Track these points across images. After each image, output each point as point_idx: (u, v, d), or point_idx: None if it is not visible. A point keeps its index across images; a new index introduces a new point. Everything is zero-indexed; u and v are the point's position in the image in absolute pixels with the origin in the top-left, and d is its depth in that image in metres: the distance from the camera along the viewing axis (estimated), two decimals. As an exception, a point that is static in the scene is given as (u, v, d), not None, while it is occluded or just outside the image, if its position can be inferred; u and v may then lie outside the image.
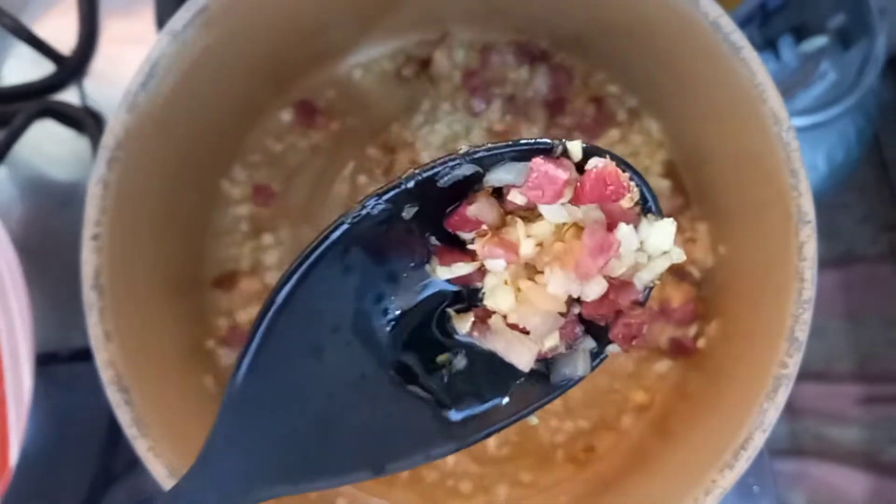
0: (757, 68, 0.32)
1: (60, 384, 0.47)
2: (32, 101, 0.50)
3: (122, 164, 0.33)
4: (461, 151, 0.22)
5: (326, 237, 0.24)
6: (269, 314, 0.23)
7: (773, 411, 0.30)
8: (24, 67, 0.53)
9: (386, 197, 0.23)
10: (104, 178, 0.32)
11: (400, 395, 0.25)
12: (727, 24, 0.33)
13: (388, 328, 0.24)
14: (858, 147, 1.07)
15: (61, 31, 0.52)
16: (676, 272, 0.41)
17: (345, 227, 0.23)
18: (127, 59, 0.53)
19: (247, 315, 0.42)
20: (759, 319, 0.34)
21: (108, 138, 0.32)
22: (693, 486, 0.31)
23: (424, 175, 0.23)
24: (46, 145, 0.52)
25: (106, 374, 0.31)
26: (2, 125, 0.50)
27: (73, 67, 0.52)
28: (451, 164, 0.22)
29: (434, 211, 0.23)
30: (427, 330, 0.25)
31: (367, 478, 0.24)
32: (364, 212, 0.23)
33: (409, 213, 0.23)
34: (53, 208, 0.51)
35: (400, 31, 0.45)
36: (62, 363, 0.44)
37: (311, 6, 0.39)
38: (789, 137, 0.32)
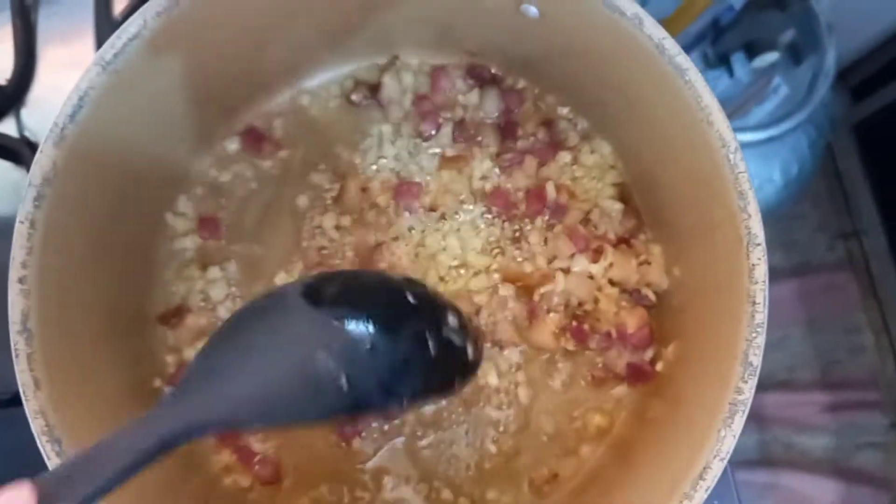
0: (702, 90, 0.32)
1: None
2: (-34, 133, 0.48)
3: (51, 202, 0.31)
4: None
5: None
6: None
7: (730, 438, 0.30)
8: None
9: None
10: (31, 216, 0.31)
11: None
12: (672, 46, 0.32)
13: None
14: (812, 159, 1.10)
15: (-2, 58, 0.51)
16: (632, 296, 0.41)
17: None
18: (67, 86, 0.51)
19: (195, 351, 0.41)
20: (714, 343, 0.34)
21: (35, 175, 0.31)
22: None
23: None
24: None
25: (35, 425, 0.29)
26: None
27: (9, 96, 0.50)
28: None
29: None
30: None
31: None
32: None
33: None
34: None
35: (349, 56, 0.44)
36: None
37: (254, 32, 0.38)
38: (736, 160, 0.31)
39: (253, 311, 0.30)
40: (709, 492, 0.29)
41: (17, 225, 0.30)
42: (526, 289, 0.42)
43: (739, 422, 0.30)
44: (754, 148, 0.98)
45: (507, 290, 0.42)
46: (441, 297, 0.35)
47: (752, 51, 0.93)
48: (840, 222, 1.40)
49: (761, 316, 0.30)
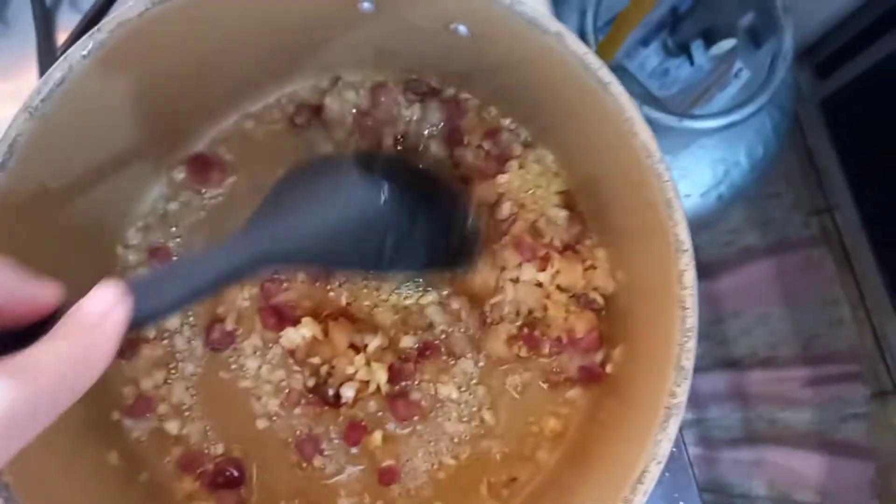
0: (625, 103, 0.32)
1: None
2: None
3: (-11, 249, 0.31)
4: None
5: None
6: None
7: (666, 442, 0.30)
8: None
9: None
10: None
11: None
12: (594, 61, 0.33)
13: None
14: (777, 140, 1.11)
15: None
16: (580, 301, 0.42)
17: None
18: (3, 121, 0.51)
19: (152, 382, 0.41)
20: (654, 345, 0.35)
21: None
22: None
23: None
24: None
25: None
26: None
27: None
28: None
29: None
30: None
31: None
32: None
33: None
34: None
35: (289, 79, 0.44)
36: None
37: (195, 65, 0.39)
38: (661, 169, 0.32)
39: (312, 166, 0.37)
40: (647, 494, 0.30)
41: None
42: (477, 300, 0.43)
43: (674, 426, 0.31)
44: (719, 133, 0.99)
45: (458, 303, 0.43)
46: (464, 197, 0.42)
47: (709, 38, 0.94)
48: (813, 199, 1.42)
49: (691, 321, 0.31)
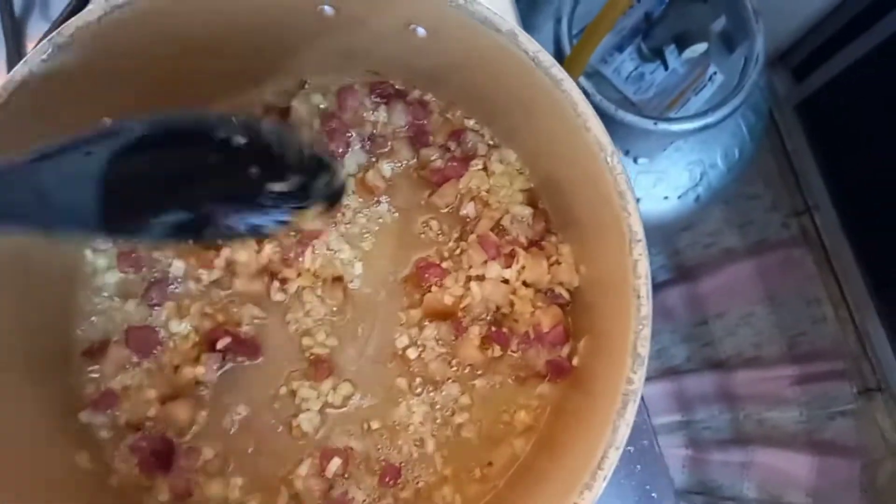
0: (578, 99, 0.33)
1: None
2: None
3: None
4: None
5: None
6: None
7: (624, 428, 0.31)
8: None
9: None
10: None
11: None
12: (546, 59, 0.34)
13: None
14: (752, 142, 1.13)
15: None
16: (546, 296, 0.42)
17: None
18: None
19: (118, 383, 0.41)
20: (614, 336, 0.35)
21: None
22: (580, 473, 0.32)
23: None
24: None
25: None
26: None
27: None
28: None
29: None
30: None
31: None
32: None
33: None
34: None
35: (256, 84, 0.45)
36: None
37: (155, 68, 0.39)
38: (614, 162, 0.33)
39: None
40: (606, 480, 0.31)
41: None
42: (447, 315, 0.43)
43: (632, 411, 0.31)
44: (695, 136, 1.01)
45: (430, 330, 0.43)
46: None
47: (681, 43, 0.95)
48: (793, 200, 1.44)
49: (646, 309, 0.32)
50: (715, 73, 1.03)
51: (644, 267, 0.32)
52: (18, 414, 0.36)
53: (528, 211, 0.43)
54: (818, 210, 1.43)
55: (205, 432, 0.42)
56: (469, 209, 0.43)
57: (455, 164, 0.44)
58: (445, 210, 0.44)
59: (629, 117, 0.87)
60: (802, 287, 1.46)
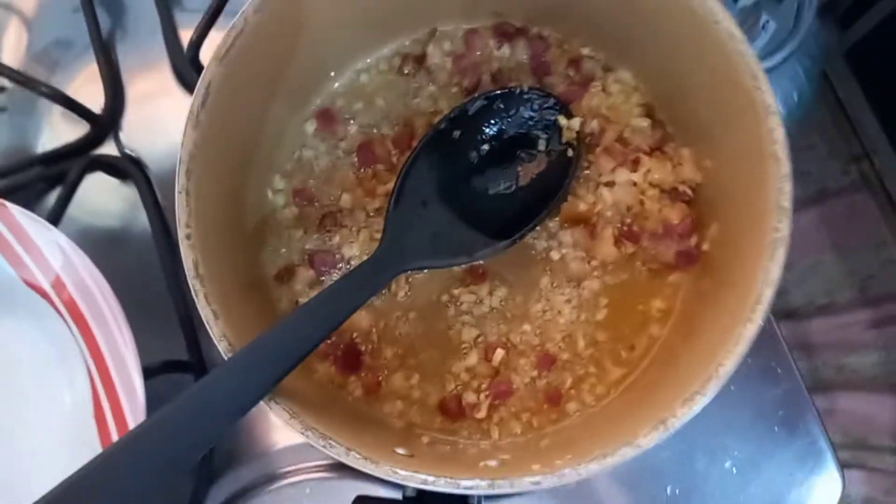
0: (703, -1, 0.39)
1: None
2: (79, 158, 0.56)
3: (195, 175, 0.39)
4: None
5: (422, 139, 0.48)
6: (401, 177, 0.46)
7: (776, 269, 0.36)
8: (59, 131, 0.59)
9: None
10: (185, 187, 0.38)
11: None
12: (673, -33, 0.39)
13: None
14: (809, 85, 1.15)
15: (90, 95, 0.59)
16: (671, 194, 0.48)
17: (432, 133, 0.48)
18: (153, 109, 0.60)
19: (307, 297, 0.48)
20: (749, 208, 0.40)
21: (183, 153, 0.38)
22: (718, 348, 0.37)
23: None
24: (94, 196, 0.58)
25: (221, 346, 0.36)
26: (55, 184, 0.55)
27: (105, 123, 0.58)
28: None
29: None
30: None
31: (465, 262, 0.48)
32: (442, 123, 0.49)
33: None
34: (109, 250, 0.57)
35: (394, 36, 0.52)
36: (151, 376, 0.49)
37: (312, 31, 0.46)
38: (744, 48, 0.38)
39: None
40: (764, 313, 0.36)
41: (176, 195, 0.38)
42: (582, 219, 0.49)
43: (782, 254, 0.36)
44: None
45: (566, 236, 0.49)
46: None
47: (735, -7, 0.99)
48: (849, 147, 1.45)
49: (786, 168, 0.37)
50: (767, 21, 1.06)
51: (781, 134, 0.37)
52: (244, 313, 0.42)
53: (646, 122, 0.49)
54: (876, 154, 1.43)
55: (384, 336, 0.48)
56: (593, 126, 0.49)
57: (575, 87, 0.50)
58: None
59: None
60: (868, 231, 1.46)
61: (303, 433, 0.35)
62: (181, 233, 0.37)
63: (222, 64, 0.40)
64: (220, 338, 0.36)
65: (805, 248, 1.46)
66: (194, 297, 0.37)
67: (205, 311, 0.37)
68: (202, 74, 0.39)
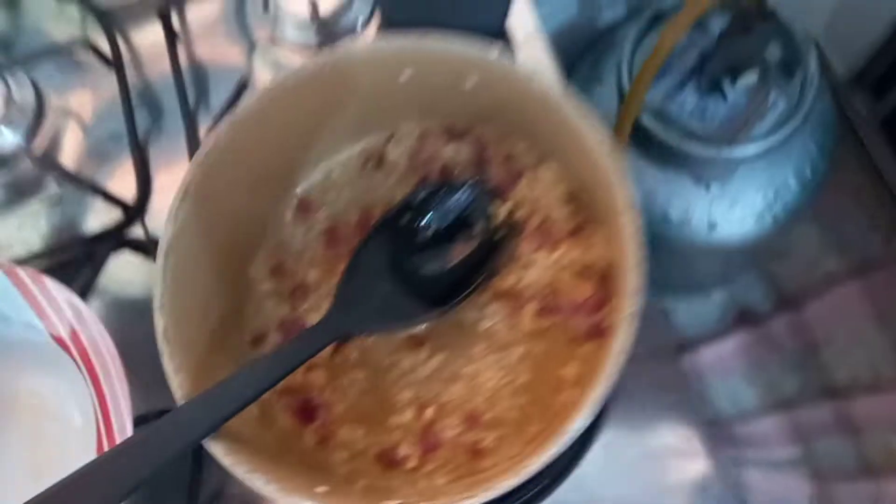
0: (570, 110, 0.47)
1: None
2: (111, 240, 0.69)
3: (172, 259, 0.49)
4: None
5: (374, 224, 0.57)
6: (353, 255, 0.56)
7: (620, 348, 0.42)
8: (101, 216, 0.73)
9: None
10: (163, 267, 0.49)
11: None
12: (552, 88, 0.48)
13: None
14: (823, 160, 1.18)
15: (125, 184, 0.72)
16: (582, 274, 0.54)
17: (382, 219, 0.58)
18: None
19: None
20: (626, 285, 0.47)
21: (162, 242, 0.49)
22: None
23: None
24: (121, 273, 0.70)
25: (176, 395, 0.46)
26: (85, 263, 0.68)
27: (136, 211, 0.71)
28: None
29: None
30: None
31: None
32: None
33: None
34: (132, 321, 0.68)
35: (359, 139, 0.62)
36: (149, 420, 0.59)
37: (292, 137, 0.57)
38: (605, 155, 0.46)
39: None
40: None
41: (154, 273, 0.48)
42: (510, 296, 0.56)
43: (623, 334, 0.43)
44: (763, 158, 1.07)
45: (494, 309, 0.56)
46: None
47: (735, 74, 1.04)
48: (890, 215, 1.43)
49: (635, 257, 0.44)
50: (776, 100, 1.10)
51: (635, 225, 0.44)
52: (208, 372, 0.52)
53: (567, 209, 0.56)
54: (918, 223, 1.40)
55: (336, 391, 0.56)
56: (522, 212, 0.57)
57: (509, 179, 0.58)
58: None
59: (694, 148, 0.95)
60: (913, 303, 1.42)
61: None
62: (155, 303, 0.48)
63: (202, 167, 0.51)
64: (178, 389, 0.46)
65: (847, 322, 1.42)
66: (160, 353, 0.47)
67: (168, 365, 0.46)
68: (184, 175, 0.50)
